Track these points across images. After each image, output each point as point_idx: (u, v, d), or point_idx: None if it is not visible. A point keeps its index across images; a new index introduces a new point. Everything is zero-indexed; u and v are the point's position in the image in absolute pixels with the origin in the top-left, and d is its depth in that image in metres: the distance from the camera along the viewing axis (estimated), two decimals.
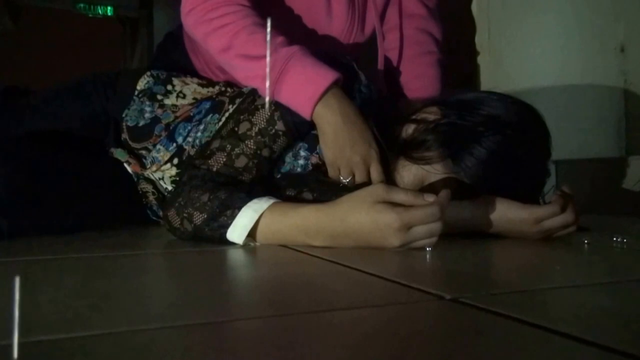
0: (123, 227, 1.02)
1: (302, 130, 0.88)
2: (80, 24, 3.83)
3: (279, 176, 0.91)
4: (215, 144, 0.86)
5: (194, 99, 1.05)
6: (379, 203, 0.69)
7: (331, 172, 0.88)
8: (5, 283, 0.57)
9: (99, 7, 3.57)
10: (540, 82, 1.43)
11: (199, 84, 1.08)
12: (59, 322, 0.41)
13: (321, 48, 0.92)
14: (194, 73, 1.15)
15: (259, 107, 0.86)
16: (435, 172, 0.82)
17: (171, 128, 1.01)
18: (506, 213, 0.80)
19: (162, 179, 1.02)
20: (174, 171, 1.00)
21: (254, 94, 0.90)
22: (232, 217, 0.75)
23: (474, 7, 1.65)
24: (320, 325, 0.40)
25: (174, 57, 1.21)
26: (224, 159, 0.84)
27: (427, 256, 0.68)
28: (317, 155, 0.90)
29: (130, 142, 1.04)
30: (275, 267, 0.66)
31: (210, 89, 1.06)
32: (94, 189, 1.00)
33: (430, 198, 0.70)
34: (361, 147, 0.84)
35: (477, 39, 1.62)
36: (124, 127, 1.05)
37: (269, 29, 0.84)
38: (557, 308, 0.45)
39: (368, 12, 1.17)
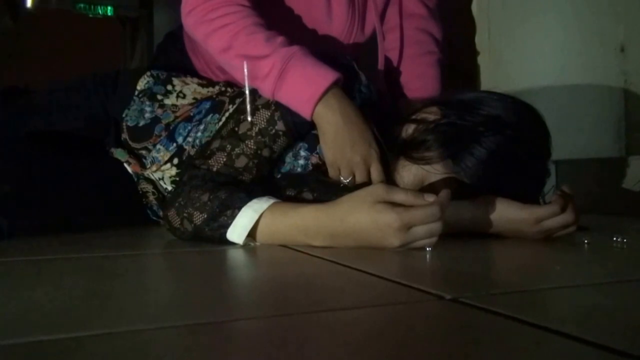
0: (123, 227, 1.02)
1: (302, 130, 0.88)
2: (80, 24, 3.84)
3: (279, 176, 0.91)
4: (216, 144, 0.86)
5: (194, 99, 1.05)
6: (379, 203, 0.69)
7: (331, 172, 0.88)
8: (5, 283, 0.57)
9: (99, 7, 3.58)
10: (540, 82, 1.43)
11: (199, 84, 1.08)
12: (59, 322, 0.41)
13: (321, 48, 0.92)
14: (194, 73, 1.15)
15: (259, 107, 0.87)
16: (435, 172, 0.82)
17: (171, 128, 1.01)
18: (506, 213, 0.80)
19: (162, 179, 1.02)
20: (174, 171, 1.00)
21: (254, 94, 0.90)
22: (232, 217, 0.75)
23: (474, 7, 1.65)
24: (320, 325, 0.40)
25: (174, 57, 1.21)
26: (224, 159, 0.84)
27: (427, 256, 0.68)
28: (317, 155, 0.90)
29: (130, 142, 1.04)
30: (275, 267, 0.66)
31: (210, 89, 1.06)
32: (94, 189, 1.00)
33: (430, 198, 0.70)
34: (361, 147, 0.84)
35: (477, 39, 1.62)
36: (124, 127, 1.05)
37: (268, 29, 0.84)
38: (557, 308, 0.45)
39: (368, 12, 1.17)
